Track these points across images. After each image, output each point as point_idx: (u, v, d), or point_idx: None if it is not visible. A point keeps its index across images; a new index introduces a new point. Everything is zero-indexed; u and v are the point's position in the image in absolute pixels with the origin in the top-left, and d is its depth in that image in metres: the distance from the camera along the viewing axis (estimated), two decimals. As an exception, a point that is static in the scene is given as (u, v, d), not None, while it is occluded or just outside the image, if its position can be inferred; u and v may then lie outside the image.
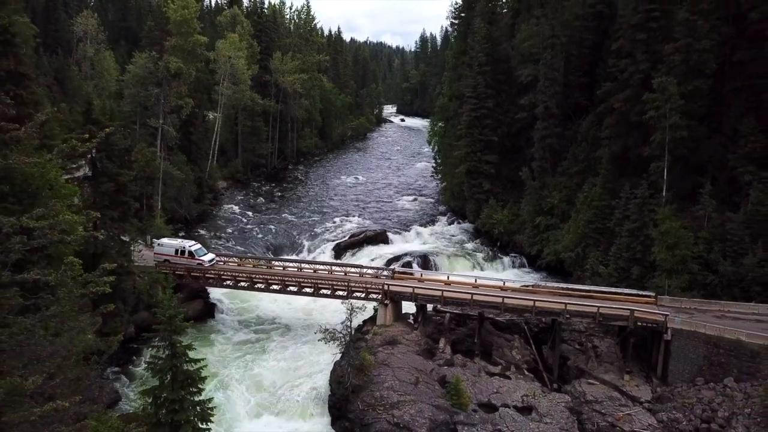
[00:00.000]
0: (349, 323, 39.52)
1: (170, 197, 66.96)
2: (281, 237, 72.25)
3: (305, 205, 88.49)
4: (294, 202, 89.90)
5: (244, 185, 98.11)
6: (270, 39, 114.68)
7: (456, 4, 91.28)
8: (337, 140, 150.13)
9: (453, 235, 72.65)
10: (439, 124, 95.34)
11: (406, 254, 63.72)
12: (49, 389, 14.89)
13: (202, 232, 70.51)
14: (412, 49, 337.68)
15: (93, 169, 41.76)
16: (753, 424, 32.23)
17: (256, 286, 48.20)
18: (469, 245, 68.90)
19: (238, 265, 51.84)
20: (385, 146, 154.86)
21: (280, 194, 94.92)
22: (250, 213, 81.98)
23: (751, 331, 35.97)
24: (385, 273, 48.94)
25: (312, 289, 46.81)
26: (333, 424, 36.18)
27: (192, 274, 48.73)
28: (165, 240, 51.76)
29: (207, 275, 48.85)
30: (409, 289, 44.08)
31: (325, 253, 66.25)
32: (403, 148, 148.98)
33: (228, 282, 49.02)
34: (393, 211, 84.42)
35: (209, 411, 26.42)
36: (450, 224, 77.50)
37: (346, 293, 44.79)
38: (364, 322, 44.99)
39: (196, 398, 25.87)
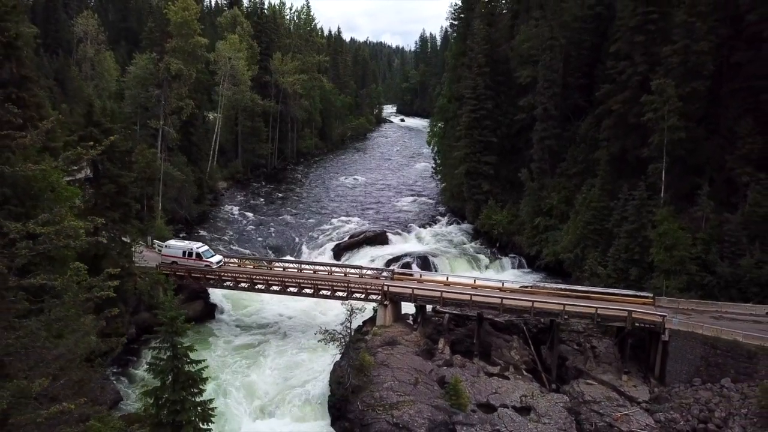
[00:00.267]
0: (348, 324, 39.81)
1: (171, 198, 67.27)
2: (281, 237, 72.49)
3: (305, 205, 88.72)
4: (294, 203, 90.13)
5: (244, 186, 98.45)
6: (270, 40, 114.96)
7: (455, 5, 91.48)
8: (337, 140, 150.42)
9: (452, 236, 72.86)
10: (439, 124, 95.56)
11: (405, 255, 63.92)
12: (53, 391, 15.12)
13: (203, 232, 70.78)
14: (412, 49, 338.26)
15: (94, 170, 42.00)
16: (749, 425, 32.49)
17: (256, 287, 48.44)
18: (469, 246, 69.13)
19: (239, 266, 52.09)
20: (384, 146, 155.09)
21: (280, 195, 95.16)
22: (250, 213, 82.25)
23: (748, 331, 36.19)
24: (385, 274, 49.17)
25: (312, 290, 47.06)
26: (333, 424, 36.44)
27: (192, 275, 48.98)
28: (172, 242, 51.90)
29: (207, 276, 49.09)
30: (409, 290, 44.33)
31: (325, 254, 66.48)
32: (402, 149, 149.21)
33: (228, 283, 49.25)
34: (392, 212, 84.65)
35: (210, 411, 26.63)
36: (449, 225, 77.75)
37: (345, 294, 45.04)
38: (364, 322, 45.24)
39: (197, 399, 26.07)
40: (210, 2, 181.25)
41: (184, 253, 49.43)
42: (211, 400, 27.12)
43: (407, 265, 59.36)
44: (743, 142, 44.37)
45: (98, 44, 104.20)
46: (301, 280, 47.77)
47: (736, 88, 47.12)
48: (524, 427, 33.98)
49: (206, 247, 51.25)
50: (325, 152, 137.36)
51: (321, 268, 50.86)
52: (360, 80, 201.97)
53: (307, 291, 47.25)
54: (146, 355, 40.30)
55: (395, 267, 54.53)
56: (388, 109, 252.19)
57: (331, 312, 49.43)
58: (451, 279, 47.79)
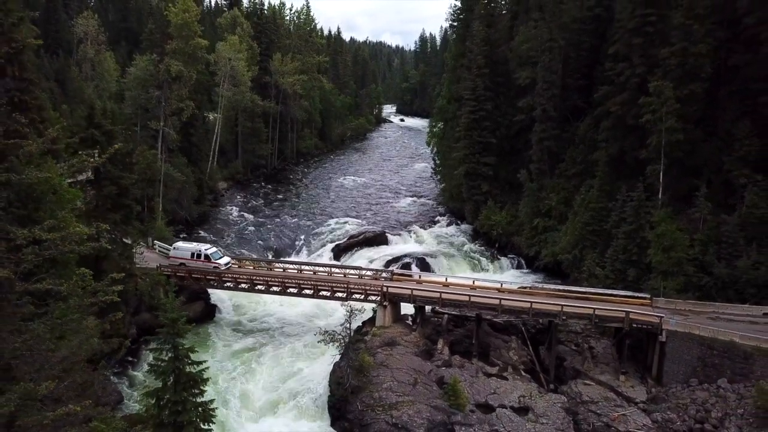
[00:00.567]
0: (348, 325, 40.10)
1: (171, 199, 67.53)
2: (281, 238, 72.73)
3: (305, 206, 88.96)
4: (294, 203, 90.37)
5: (244, 186, 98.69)
6: (270, 40, 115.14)
7: (454, 6, 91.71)
8: (337, 141, 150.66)
9: (452, 237, 73.10)
10: (439, 125, 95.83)
11: (405, 255, 64.18)
12: (57, 393, 15.37)
13: (203, 233, 71.00)
14: (412, 49, 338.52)
15: (95, 172, 42.17)
16: (746, 425, 32.79)
17: (256, 288, 48.65)
18: (468, 246, 69.34)
19: (239, 266, 52.34)
20: (384, 147, 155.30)
21: (279, 195, 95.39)
22: (250, 214, 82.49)
23: (745, 332, 36.51)
24: (384, 275, 49.44)
25: (311, 291, 47.29)
26: (333, 424, 36.72)
27: (193, 275, 49.23)
28: (180, 244, 52.02)
29: (208, 277, 49.32)
30: (408, 291, 44.60)
31: (325, 255, 66.71)
32: (402, 149, 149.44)
33: (228, 284, 49.47)
34: (392, 212, 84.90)
35: (211, 412, 26.88)
36: (449, 225, 77.97)
37: (345, 295, 45.28)
38: (364, 323, 45.52)
39: (198, 399, 26.31)
40: (210, 2, 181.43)
41: (192, 254, 49.57)
42: (211, 401, 27.33)
43: (407, 266, 59.63)
44: (741, 144, 44.69)
45: (98, 45, 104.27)
46: (300, 281, 48.03)
47: (733, 90, 47.48)
48: (522, 427, 34.26)
49: (214, 249, 51.37)
50: (324, 152, 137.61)
51: (320, 269, 51.13)
52: (360, 80, 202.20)
53: (307, 292, 47.50)
54: (147, 355, 40.58)
55: (394, 268, 54.78)
56: (388, 109, 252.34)
57: (331, 312, 49.74)
58: (450, 280, 48.05)
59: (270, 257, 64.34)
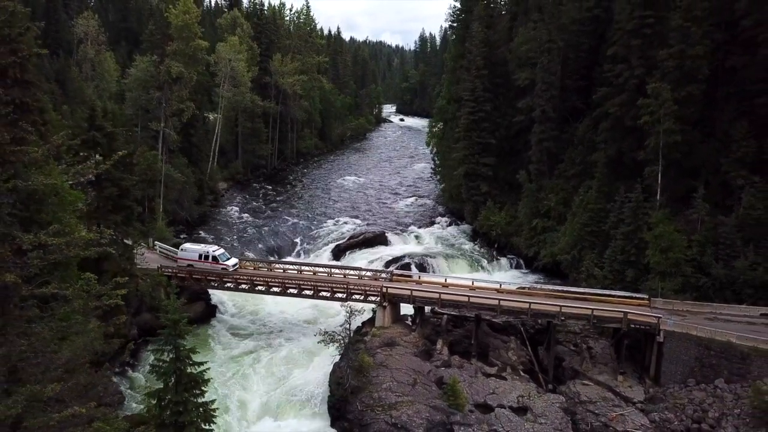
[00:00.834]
0: (348, 325, 40.34)
1: (172, 200, 67.82)
2: (281, 238, 72.96)
3: (305, 206, 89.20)
4: (293, 203, 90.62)
5: (244, 186, 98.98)
6: (270, 41, 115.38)
7: (454, 7, 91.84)
8: (337, 141, 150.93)
9: (451, 237, 73.42)
10: (439, 125, 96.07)
11: (404, 256, 64.38)
12: (61, 394, 15.61)
13: (203, 234, 71.24)
14: (412, 49, 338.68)
15: (96, 174, 42.43)
16: (742, 425, 33.04)
17: (256, 288, 48.90)
18: (467, 247, 69.65)
19: (240, 267, 52.48)
20: (384, 147, 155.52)
21: (280, 195, 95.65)
22: (250, 214, 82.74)
23: (742, 333, 36.74)
24: (384, 275, 49.68)
25: (311, 292, 47.54)
26: (332, 424, 36.96)
27: (193, 276, 49.46)
28: (188, 245, 52.15)
29: (208, 277, 49.55)
30: (407, 292, 44.86)
31: (325, 255, 66.95)
32: (401, 149, 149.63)
33: (229, 284, 49.70)
34: (392, 213, 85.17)
35: (212, 412, 27.12)
36: (448, 226, 78.20)
37: (345, 296, 45.54)
38: (363, 323, 45.74)
39: (199, 400, 26.55)
40: (210, 3, 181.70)
41: (200, 256, 49.71)
42: (212, 401, 27.57)
43: (406, 267, 59.82)
44: (738, 145, 44.93)
45: (99, 45, 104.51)
46: (300, 282, 48.28)
47: (731, 92, 47.74)
48: (521, 427, 34.50)
49: (222, 250, 51.47)
50: (324, 152, 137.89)
51: (320, 269, 51.36)
52: (360, 80, 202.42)
53: (307, 292, 47.75)
54: (147, 356, 40.85)
55: (394, 268, 55.03)
56: (388, 109, 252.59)
57: (331, 312, 49.96)
58: (449, 280, 48.27)
59: (271, 258, 64.56)
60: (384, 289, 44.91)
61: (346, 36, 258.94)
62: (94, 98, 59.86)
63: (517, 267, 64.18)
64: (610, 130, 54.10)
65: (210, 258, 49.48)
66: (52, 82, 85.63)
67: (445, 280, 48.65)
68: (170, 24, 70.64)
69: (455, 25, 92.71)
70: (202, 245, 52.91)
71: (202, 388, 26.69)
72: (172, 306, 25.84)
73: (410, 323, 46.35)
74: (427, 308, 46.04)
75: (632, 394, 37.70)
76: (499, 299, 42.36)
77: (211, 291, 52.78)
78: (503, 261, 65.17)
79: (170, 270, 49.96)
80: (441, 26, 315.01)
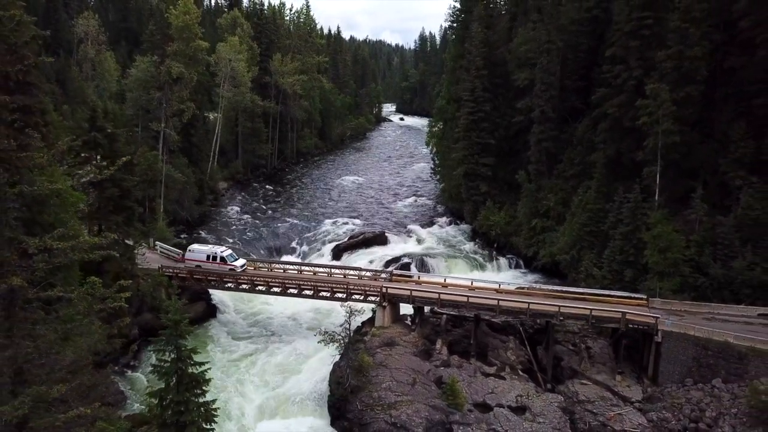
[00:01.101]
0: (348, 325, 40.57)
1: (172, 200, 68.06)
2: (281, 238, 73.19)
3: (305, 205, 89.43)
4: (293, 203, 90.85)
5: (244, 186, 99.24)
6: (270, 40, 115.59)
7: (453, 7, 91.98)
8: (337, 140, 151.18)
9: (451, 237, 73.66)
10: (438, 125, 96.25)
11: (404, 256, 64.64)
12: (66, 395, 15.84)
13: (204, 233, 71.45)
14: (412, 48, 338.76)
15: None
16: (739, 424, 33.28)
17: (257, 288, 49.12)
18: (467, 246, 69.87)
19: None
20: (384, 146, 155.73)
21: (279, 195, 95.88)
22: (250, 214, 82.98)
23: (739, 333, 36.94)
24: (383, 275, 49.91)
25: (311, 292, 47.76)
26: (332, 423, 37.20)
27: (194, 276, 49.66)
28: (196, 246, 52.30)
29: (209, 278, 49.75)
30: (407, 292, 45.09)
31: (325, 255, 67.21)
32: (401, 148, 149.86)
33: (229, 284, 49.90)
34: (392, 212, 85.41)
35: (213, 412, 27.35)
36: (448, 225, 78.44)
37: (345, 296, 45.77)
38: (363, 323, 45.94)
39: (201, 400, 26.78)
40: (210, 2, 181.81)
41: (208, 257, 49.81)
42: (214, 401, 27.81)
43: (406, 266, 60.07)
44: (736, 146, 45.10)
45: (99, 45, 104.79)
46: (300, 282, 48.50)
47: (729, 92, 47.88)
48: (519, 426, 34.73)
49: (230, 251, 51.57)
50: (324, 152, 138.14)
51: (320, 269, 51.59)
52: (359, 79, 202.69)
53: (307, 292, 47.96)
54: (147, 356, 41.07)
55: (393, 268, 55.26)
56: (388, 108, 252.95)
57: (331, 312, 50.19)
58: (448, 281, 48.48)
59: (271, 257, 64.76)
60: (384, 289, 45.13)
61: (345, 35, 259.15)
62: (95, 99, 60.08)
63: (517, 267, 64.40)
64: (609, 130, 54.29)
65: (218, 259, 49.57)
66: (53, 82, 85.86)
67: (445, 280, 48.87)
68: (170, 24, 70.83)
69: (455, 25, 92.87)
70: (210, 246, 53.05)
71: (203, 387, 26.92)
72: (173, 306, 26.08)
73: (410, 323, 46.55)
74: (427, 308, 46.26)
75: (630, 394, 37.95)
76: (498, 299, 42.58)
77: (211, 291, 52.99)
78: (502, 261, 65.38)
79: (171, 270, 50.17)
80: (441, 25, 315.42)
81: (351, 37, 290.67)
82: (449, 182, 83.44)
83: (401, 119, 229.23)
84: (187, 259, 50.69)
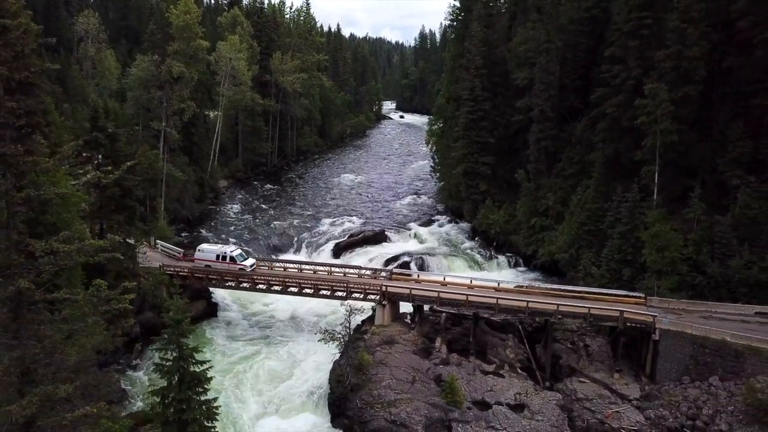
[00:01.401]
0: (348, 323, 40.86)
1: (173, 198, 68.33)
2: (281, 236, 73.45)
3: (304, 204, 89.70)
4: (293, 201, 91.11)
5: (244, 184, 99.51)
6: (270, 39, 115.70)
7: (453, 6, 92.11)
8: (337, 138, 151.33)
9: (450, 235, 73.90)
10: (438, 123, 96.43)
11: (404, 254, 64.91)
12: (71, 394, 16.15)
13: (204, 232, 71.73)
14: (412, 45, 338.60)
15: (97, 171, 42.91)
16: (735, 421, 33.59)
17: (257, 286, 49.40)
18: (466, 245, 70.14)
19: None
20: (383, 144, 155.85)
21: (280, 193, 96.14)
22: (250, 212, 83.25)
23: (736, 331, 37.19)
24: (383, 274, 50.20)
25: (312, 290, 48.05)
26: (333, 421, 37.48)
27: (195, 274, 49.93)
28: (205, 246, 52.41)
29: (210, 276, 50.01)
30: (407, 290, 45.36)
31: (325, 253, 67.47)
32: (401, 147, 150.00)
33: (230, 283, 50.18)
34: (391, 211, 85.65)
35: (215, 410, 27.68)
36: (447, 224, 78.69)
37: (345, 294, 46.05)
38: (363, 322, 46.19)
39: (202, 398, 27.11)
40: (210, 1, 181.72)
41: (217, 256, 49.87)
42: (215, 399, 28.13)
43: (405, 265, 60.34)
44: (734, 145, 45.36)
45: (99, 43, 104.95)
46: (301, 280, 48.78)
47: (727, 92, 48.11)
48: (518, 424, 35.03)
49: (240, 251, 51.61)
50: (324, 150, 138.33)
51: (321, 268, 51.88)
52: (359, 77, 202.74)
53: (308, 291, 48.25)
54: (149, 354, 41.36)
55: (393, 267, 55.53)
56: (388, 106, 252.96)
57: (331, 311, 50.47)
58: (448, 279, 48.76)
59: (272, 256, 65.02)
60: (383, 288, 45.41)
61: (345, 32, 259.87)
62: (96, 98, 60.32)
63: (516, 265, 64.67)
64: (608, 130, 54.50)
65: (228, 258, 49.63)
66: (54, 81, 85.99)
67: (444, 278, 49.13)
68: (171, 24, 70.99)
69: (454, 24, 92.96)
70: (220, 245, 53.20)
71: (205, 386, 27.26)
72: (175, 305, 26.39)
73: (409, 321, 46.81)
74: (426, 306, 46.49)
75: (628, 392, 38.22)
76: (497, 298, 42.85)
77: (212, 289, 53.26)
78: (502, 259, 65.65)
79: (172, 269, 50.46)
80: (441, 23, 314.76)
81: (351, 34, 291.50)
82: (449, 181, 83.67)
83: (401, 117, 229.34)
84: (197, 259, 50.78)
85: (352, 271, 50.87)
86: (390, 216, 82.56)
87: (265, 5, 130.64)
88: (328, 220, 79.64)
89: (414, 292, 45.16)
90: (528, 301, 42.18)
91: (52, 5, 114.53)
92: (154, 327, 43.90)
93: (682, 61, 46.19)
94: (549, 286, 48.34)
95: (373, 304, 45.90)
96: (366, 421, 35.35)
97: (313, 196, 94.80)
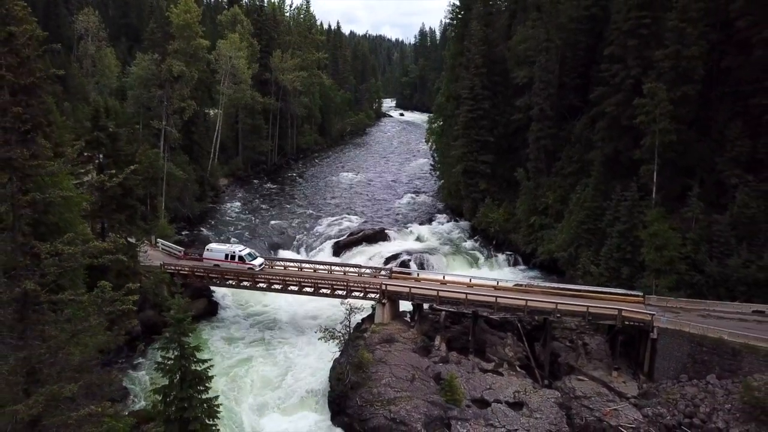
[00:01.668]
0: (348, 322, 41.09)
1: (173, 197, 68.50)
2: (281, 235, 73.64)
3: (304, 202, 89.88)
4: (293, 200, 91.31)
5: (244, 182, 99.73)
6: (270, 37, 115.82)
7: (453, 5, 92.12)
8: (337, 136, 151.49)
9: (450, 234, 74.07)
10: (438, 122, 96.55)
11: (403, 253, 65.10)
12: (75, 393, 16.39)
13: (204, 230, 71.92)
14: (412, 42, 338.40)
15: (100, 173, 43.12)
16: (732, 419, 33.82)
17: (258, 285, 49.61)
18: (466, 243, 70.38)
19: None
20: (383, 143, 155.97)
21: (280, 191, 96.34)
22: (250, 211, 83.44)
23: (734, 330, 37.38)
24: (383, 272, 50.42)
25: (312, 289, 48.22)
26: (333, 419, 37.73)
27: (196, 273, 50.13)
28: (214, 245, 52.48)
29: (211, 275, 50.21)
30: (406, 289, 45.58)
31: (325, 251, 67.65)
32: (401, 145, 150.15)
33: (231, 281, 50.39)
34: (391, 209, 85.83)
35: (216, 408, 27.95)
36: (447, 222, 78.85)
37: (345, 293, 46.27)
38: (363, 320, 46.40)
39: (204, 396, 27.39)
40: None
41: (226, 256, 49.95)
42: (216, 397, 28.41)
43: (405, 264, 60.52)
44: (732, 144, 45.49)
45: (99, 41, 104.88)
46: (301, 279, 48.96)
47: (726, 92, 48.27)
48: (517, 421, 35.28)
49: (248, 250, 51.61)
50: (324, 148, 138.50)
51: (321, 267, 52.07)
52: (359, 75, 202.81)
53: (307, 290, 48.43)
54: (151, 353, 41.55)
55: (393, 265, 55.73)
56: (388, 103, 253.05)
57: (331, 309, 50.69)
58: (447, 278, 48.99)
59: (272, 254, 65.22)
60: (383, 286, 45.63)
61: (345, 30, 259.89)
62: (97, 98, 60.47)
63: (515, 264, 64.86)
64: (607, 129, 54.62)
65: (236, 258, 49.73)
66: (54, 80, 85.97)
67: (444, 277, 49.37)
68: (171, 23, 71.07)
69: (454, 22, 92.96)
70: (228, 245, 53.34)
71: (206, 384, 27.55)
72: (176, 304, 26.65)
73: (409, 320, 47.08)
74: (426, 305, 46.74)
75: (626, 390, 38.47)
76: (496, 296, 43.07)
77: (212, 287, 53.48)
78: (501, 258, 65.86)
79: (173, 267, 50.68)
80: (441, 20, 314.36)
81: (351, 32, 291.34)
82: (448, 179, 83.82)
83: (401, 115, 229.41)
84: (206, 258, 50.88)
85: (351, 269, 51.08)
86: (390, 214, 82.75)
87: (265, 3, 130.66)
88: (327, 219, 79.83)
89: (413, 290, 45.38)
90: (527, 300, 42.41)
91: (52, 3, 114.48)
92: (155, 325, 44.33)
93: (681, 61, 46.29)
94: (548, 284, 48.58)
95: (372, 302, 46.13)
96: (366, 418, 35.60)
97: (313, 195, 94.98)
